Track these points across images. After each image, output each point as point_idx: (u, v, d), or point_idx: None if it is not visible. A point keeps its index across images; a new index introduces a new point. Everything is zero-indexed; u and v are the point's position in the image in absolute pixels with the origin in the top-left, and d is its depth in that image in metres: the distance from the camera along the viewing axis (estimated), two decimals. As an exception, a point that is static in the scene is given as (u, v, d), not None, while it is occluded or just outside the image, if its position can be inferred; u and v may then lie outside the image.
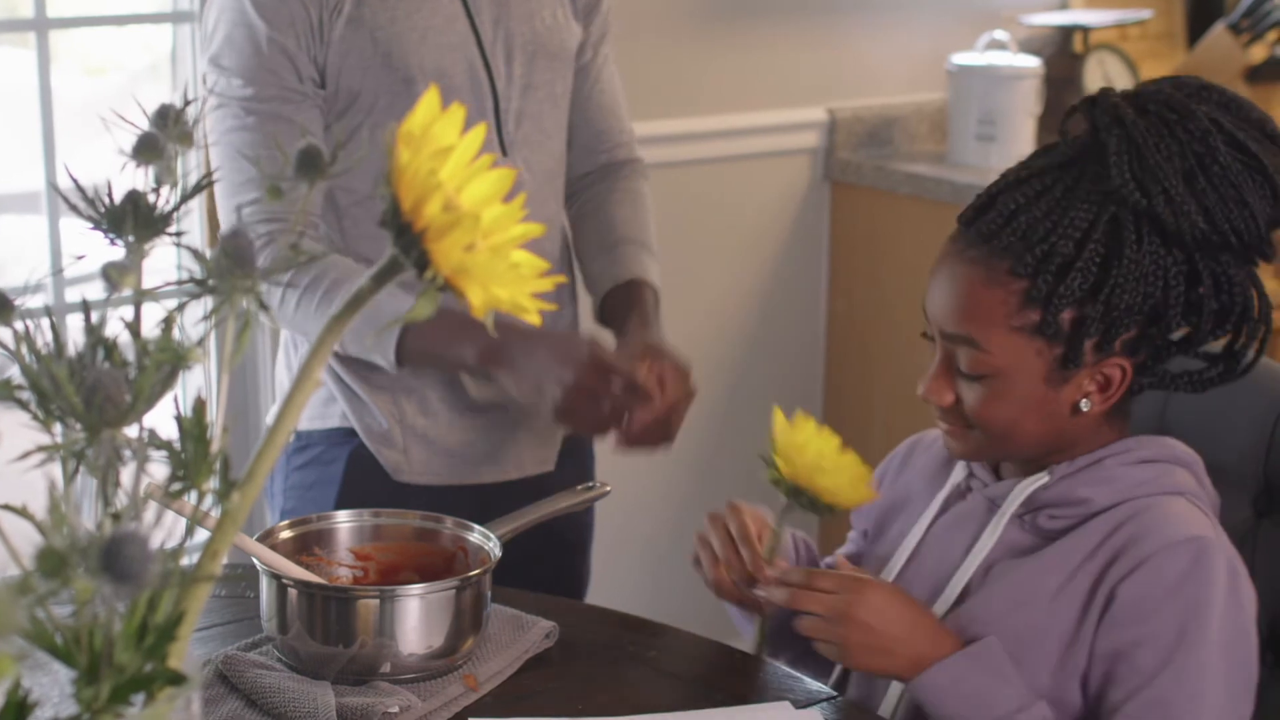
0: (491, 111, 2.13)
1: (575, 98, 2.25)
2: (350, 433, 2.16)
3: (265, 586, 1.63)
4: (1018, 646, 1.61)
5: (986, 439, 1.67)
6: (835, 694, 1.65)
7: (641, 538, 3.43)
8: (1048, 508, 1.67)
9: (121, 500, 0.82)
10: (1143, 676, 1.58)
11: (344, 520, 1.76)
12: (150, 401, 0.84)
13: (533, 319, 0.82)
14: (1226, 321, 1.64)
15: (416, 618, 1.60)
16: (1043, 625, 1.62)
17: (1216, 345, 1.68)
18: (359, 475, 2.14)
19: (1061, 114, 1.70)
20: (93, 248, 0.94)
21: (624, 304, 2.14)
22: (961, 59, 3.58)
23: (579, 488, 1.92)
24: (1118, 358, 1.63)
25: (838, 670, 1.76)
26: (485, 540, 1.71)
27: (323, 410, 2.18)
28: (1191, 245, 1.59)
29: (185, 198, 0.93)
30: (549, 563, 2.20)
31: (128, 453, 0.82)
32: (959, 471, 1.77)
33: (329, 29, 2.03)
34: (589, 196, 2.28)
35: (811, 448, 1.69)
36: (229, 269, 0.84)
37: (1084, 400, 1.64)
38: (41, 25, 2.83)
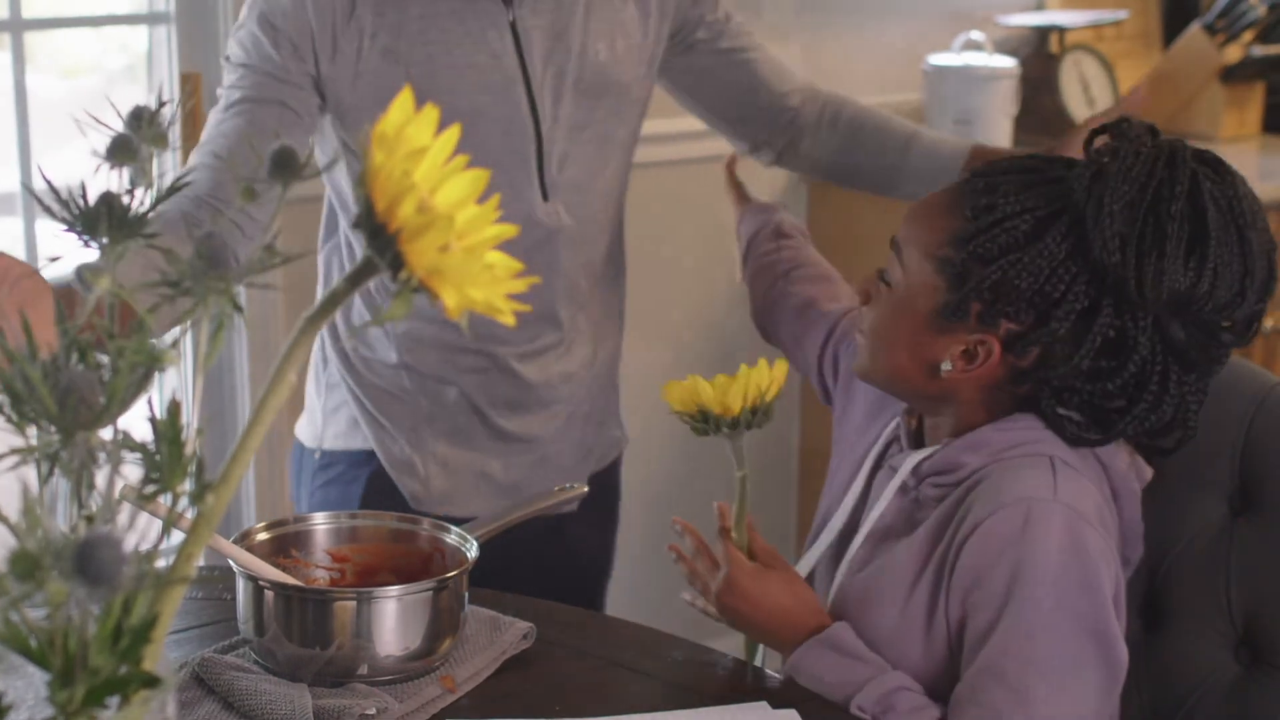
0: (533, 155, 2.02)
1: (724, 74, 2.20)
2: (372, 455, 2.13)
3: (242, 589, 1.63)
4: (889, 629, 1.68)
5: (870, 356, 1.75)
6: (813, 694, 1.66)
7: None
8: (931, 475, 1.72)
9: (95, 503, 0.82)
10: (978, 643, 1.61)
11: (321, 522, 1.76)
12: (124, 404, 0.84)
13: (507, 320, 0.82)
14: (1119, 376, 1.65)
15: (393, 619, 1.60)
16: (905, 609, 1.67)
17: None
18: (377, 499, 2.10)
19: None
20: (68, 249, 0.94)
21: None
22: (938, 59, 3.59)
23: (556, 488, 1.92)
24: (994, 338, 1.66)
25: None
26: (462, 541, 1.71)
27: (348, 431, 2.16)
28: (1099, 272, 1.61)
29: (160, 199, 0.93)
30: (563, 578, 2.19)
31: (102, 455, 0.82)
32: (889, 432, 1.82)
33: (343, 40, 1.93)
34: (827, 141, 2.26)
35: (701, 383, 1.74)
36: (203, 270, 0.84)
37: (947, 361, 1.68)
38: (17, 26, 2.83)
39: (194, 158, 1.87)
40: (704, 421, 1.73)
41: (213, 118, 1.94)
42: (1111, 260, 1.60)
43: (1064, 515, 1.61)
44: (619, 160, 2.13)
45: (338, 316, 2.15)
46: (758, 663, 1.78)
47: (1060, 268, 1.62)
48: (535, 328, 2.09)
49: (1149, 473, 1.74)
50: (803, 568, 1.80)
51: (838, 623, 1.69)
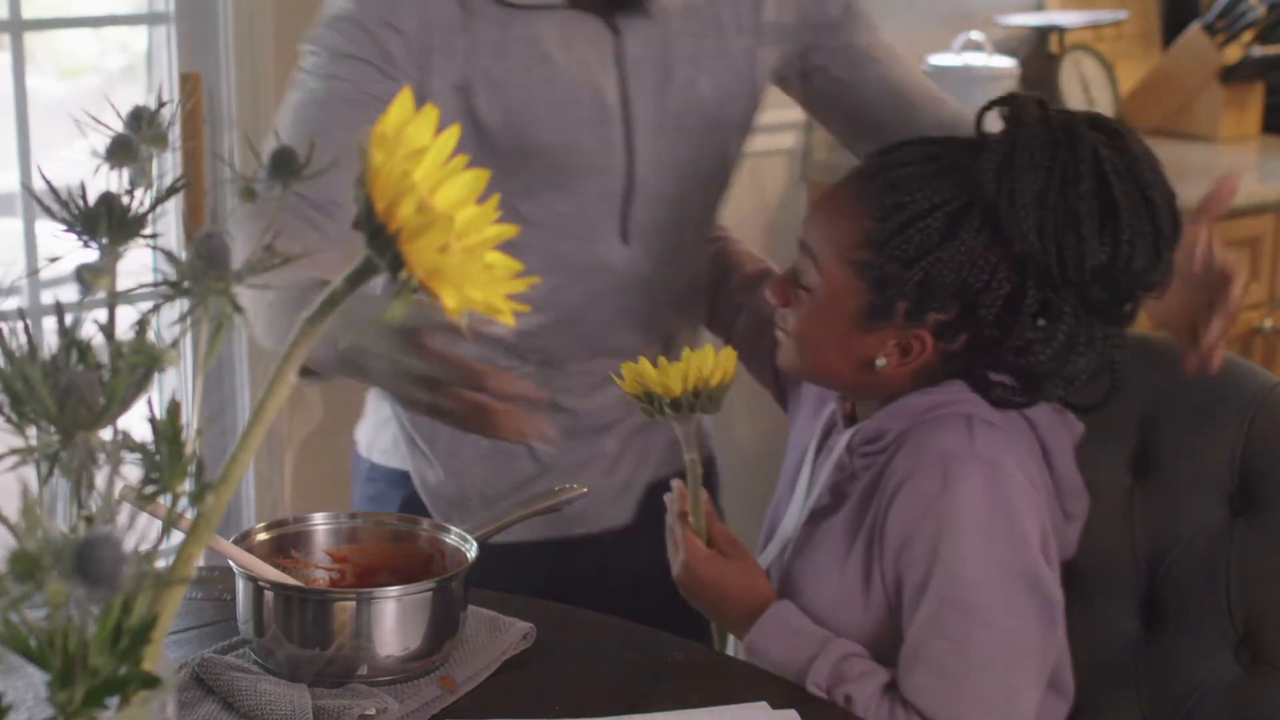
0: (620, 194, 1.91)
1: (856, 93, 2.06)
2: (409, 477, 2.06)
3: (241, 589, 1.63)
4: (830, 600, 1.71)
5: (798, 355, 1.76)
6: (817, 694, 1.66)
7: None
8: (861, 448, 1.74)
9: (95, 503, 0.82)
10: (914, 601, 1.64)
11: (320, 522, 1.76)
12: (124, 404, 0.84)
13: (506, 320, 0.82)
14: (1049, 346, 1.66)
15: (393, 620, 1.60)
16: (843, 577, 1.70)
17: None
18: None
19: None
20: (67, 250, 0.94)
21: None
22: (938, 60, 3.58)
23: (556, 488, 1.91)
24: (925, 330, 1.67)
25: None
26: (462, 542, 1.71)
27: (391, 448, 2.09)
28: (1020, 258, 1.63)
29: (159, 200, 0.93)
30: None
31: (102, 455, 0.82)
32: (827, 419, 1.84)
33: (447, 53, 1.83)
34: None
35: (647, 365, 1.75)
36: (203, 271, 0.84)
37: (881, 358, 1.70)
38: (16, 27, 2.83)
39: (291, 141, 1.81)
40: (649, 402, 1.75)
41: (309, 109, 1.83)
42: (1031, 250, 1.62)
43: (981, 468, 1.64)
44: (715, 194, 2.03)
45: None
46: (729, 651, 1.81)
47: (980, 259, 1.64)
48: (593, 362, 1.99)
49: (1079, 427, 1.76)
50: (763, 562, 1.81)
51: (780, 601, 1.73)
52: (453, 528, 1.73)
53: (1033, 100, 1.67)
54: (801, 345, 1.75)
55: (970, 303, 1.65)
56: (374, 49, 1.81)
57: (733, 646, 1.83)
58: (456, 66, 1.83)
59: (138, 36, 3.04)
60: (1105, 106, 4.04)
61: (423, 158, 0.81)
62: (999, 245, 1.63)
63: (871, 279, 1.67)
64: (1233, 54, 4.06)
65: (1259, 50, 4.06)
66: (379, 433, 2.12)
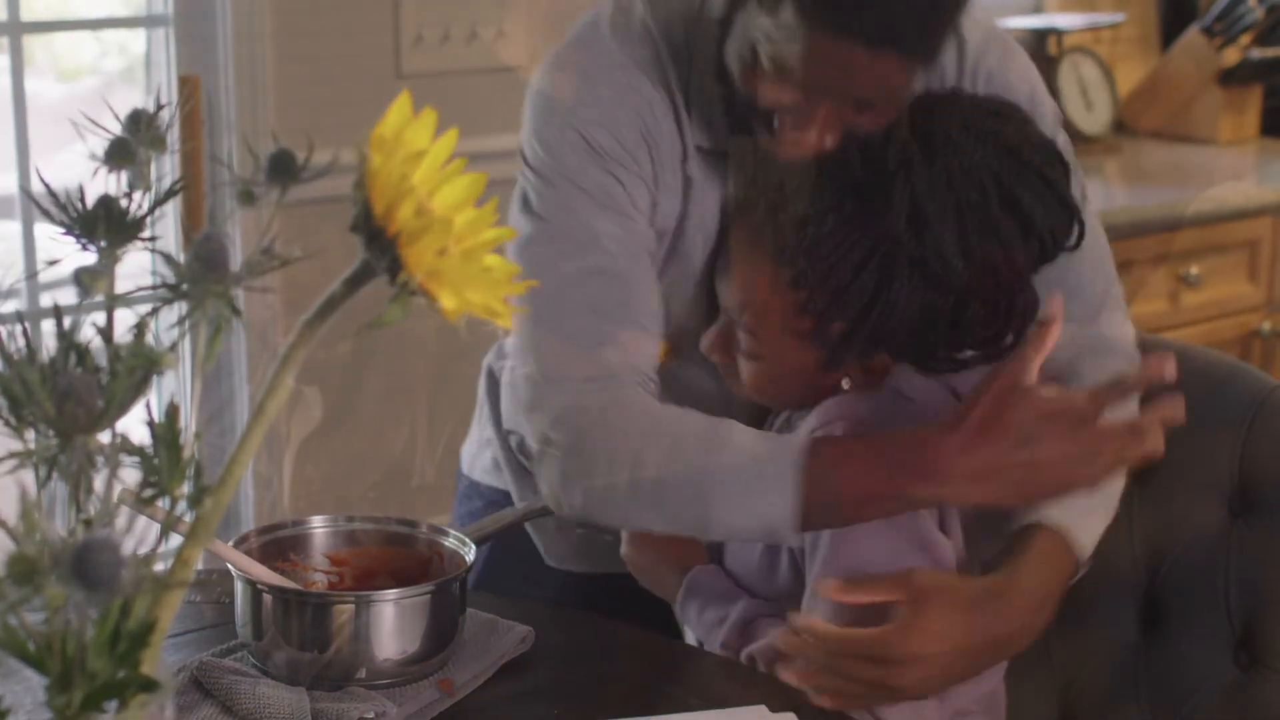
0: None
1: None
2: (509, 497, 2.01)
3: (240, 592, 1.63)
4: (753, 570, 1.75)
5: (760, 397, 1.77)
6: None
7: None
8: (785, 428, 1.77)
9: (94, 507, 0.81)
10: (812, 562, 1.67)
11: (319, 526, 1.76)
12: (123, 407, 0.84)
13: (504, 323, 0.82)
14: (991, 327, 1.68)
15: (392, 623, 1.60)
16: (763, 548, 1.73)
17: None
18: (508, 544, 1.99)
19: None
20: (66, 253, 0.94)
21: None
22: (936, 62, 3.58)
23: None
24: (882, 355, 1.69)
25: None
26: (461, 545, 1.71)
27: (492, 469, 2.05)
28: (958, 288, 1.62)
29: (158, 203, 0.93)
30: None
31: (100, 459, 0.82)
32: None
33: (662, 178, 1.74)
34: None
35: None
36: (201, 273, 0.83)
37: (845, 381, 1.71)
38: (15, 29, 2.83)
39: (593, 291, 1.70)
40: None
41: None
42: (964, 279, 1.62)
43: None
44: None
45: (492, 357, 2.02)
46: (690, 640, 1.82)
47: (919, 298, 1.62)
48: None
49: None
50: None
51: (701, 566, 1.76)
52: (450, 530, 1.73)
53: (903, 136, 1.62)
54: (761, 393, 1.75)
55: (919, 336, 1.65)
56: (626, 200, 1.72)
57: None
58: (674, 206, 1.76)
59: (136, 39, 3.05)
60: (1104, 109, 4.04)
61: (421, 161, 0.81)
62: (928, 286, 1.62)
63: (818, 343, 1.67)
64: (1231, 56, 4.06)
65: (1257, 53, 4.07)
66: (479, 452, 2.08)
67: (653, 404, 1.68)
